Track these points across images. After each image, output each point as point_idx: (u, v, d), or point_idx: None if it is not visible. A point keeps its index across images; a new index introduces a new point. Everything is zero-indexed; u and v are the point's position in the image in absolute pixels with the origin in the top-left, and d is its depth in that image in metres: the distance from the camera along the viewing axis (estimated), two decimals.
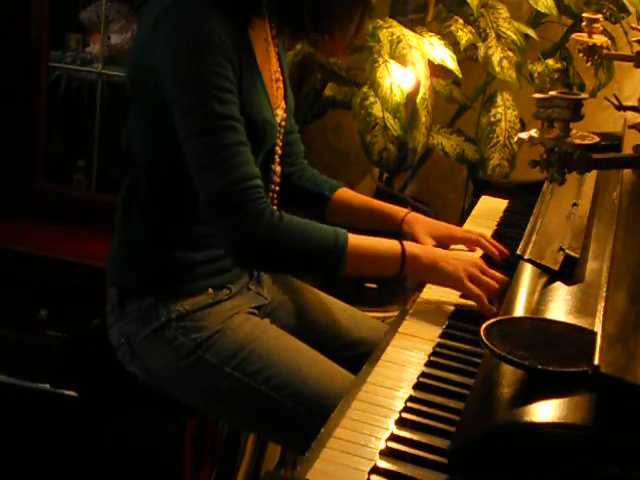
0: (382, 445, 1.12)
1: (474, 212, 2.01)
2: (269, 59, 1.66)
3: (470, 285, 1.51)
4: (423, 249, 1.57)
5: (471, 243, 1.75)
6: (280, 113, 1.68)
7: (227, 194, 1.46)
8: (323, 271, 1.54)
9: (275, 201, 1.73)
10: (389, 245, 1.54)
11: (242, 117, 1.51)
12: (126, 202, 1.64)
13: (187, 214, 1.60)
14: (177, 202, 1.60)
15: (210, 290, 1.61)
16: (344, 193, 1.82)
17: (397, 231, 1.76)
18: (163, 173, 1.59)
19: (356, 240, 1.52)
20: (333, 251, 1.50)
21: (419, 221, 1.76)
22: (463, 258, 1.56)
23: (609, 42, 1.76)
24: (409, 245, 1.55)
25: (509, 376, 1.06)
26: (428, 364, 1.33)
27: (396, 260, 1.53)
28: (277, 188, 1.72)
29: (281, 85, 1.70)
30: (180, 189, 1.57)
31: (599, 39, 1.69)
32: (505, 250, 1.72)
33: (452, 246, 1.77)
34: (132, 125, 1.61)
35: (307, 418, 1.46)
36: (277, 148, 1.70)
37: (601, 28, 1.72)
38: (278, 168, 1.72)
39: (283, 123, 1.71)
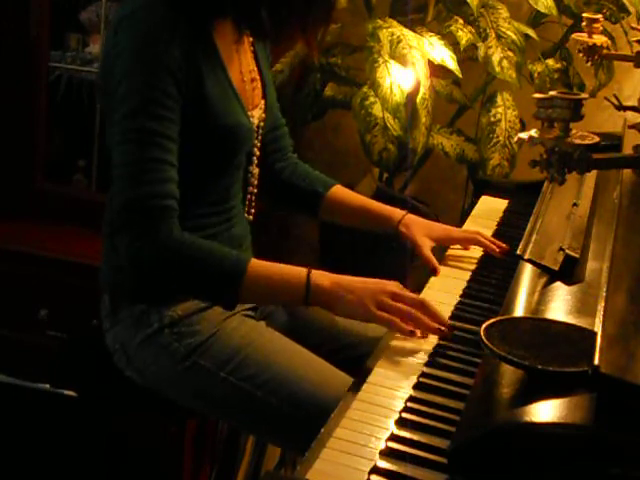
0: (382, 445, 1.12)
1: (474, 212, 2.01)
2: (240, 60, 1.63)
3: (379, 313, 1.43)
4: (331, 280, 1.46)
5: (469, 242, 1.76)
6: (257, 114, 1.66)
7: (135, 207, 1.44)
8: (219, 295, 1.48)
9: (253, 204, 1.72)
10: (294, 274, 1.46)
11: (209, 125, 1.50)
12: (112, 207, 1.63)
13: None
14: None
15: None
16: (339, 191, 1.81)
17: (394, 233, 1.76)
18: None
19: (258, 266, 1.46)
20: (230, 275, 1.44)
21: (416, 223, 1.75)
22: (372, 287, 1.45)
23: (609, 42, 1.76)
24: (316, 275, 1.46)
25: (509, 376, 1.06)
26: (428, 364, 1.33)
27: (299, 291, 1.45)
28: (255, 190, 1.71)
29: (258, 85, 1.68)
30: None
31: (599, 39, 1.69)
32: (504, 245, 1.72)
33: (450, 248, 1.77)
34: (108, 132, 1.59)
35: (304, 421, 1.45)
36: (255, 149, 1.69)
37: (601, 28, 1.72)
38: (256, 170, 1.71)
39: (262, 124, 1.69)
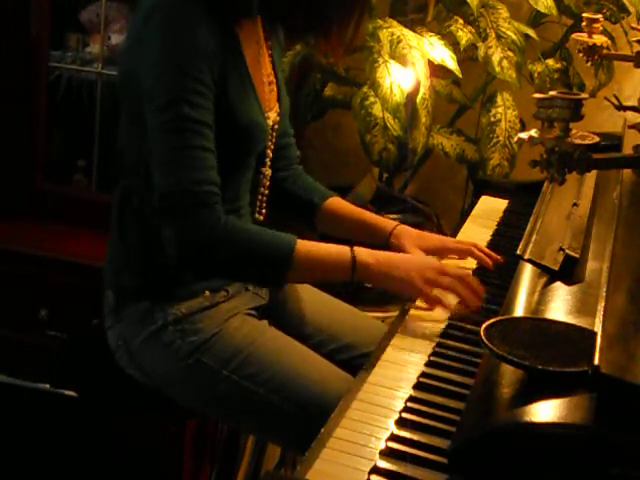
0: (382, 445, 1.12)
1: (474, 212, 2.01)
2: (260, 62, 1.64)
3: (425, 290, 1.48)
4: (375, 255, 1.52)
5: (463, 253, 1.72)
6: (273, 116, 1.67)
7: (180, 194, 1.45)
8: (270, 276, 1.52)
9: (264, 204, 1.72)
10: (339, 251, 1.51)
11: (228, 122, 1.51)
12: (122, 205, 1.63)
13: None
14: None
15: (207, 293, 1.61)
16: (335, 202, 1.80)
17: (385, 244, 1.75)
18: None
19: (305, 245, 1.50)
20: (280, 255, 1.48)
21: (408, 234, 1.73)
22: (418, 262, 1.53)
23: (609, 42, 1.76)
24: (360, 251, 1.51)
25: (509, 376, 1.06)
26: (428, 364, 1.33)
27: (346, 267, 1.50)
28: (266, 191, 1.72)
29: (274, 88, 1.69)
30: None
31: (599, 39, 1.69)
32: (499, 258, 1.69)
33: (444, 258, 1.76)
34: (125, 129, 1.61)
35: (305, 420, 1.46)
36: (268, 151, 1.69)
37: (601, 28, 1.72)
38: (269, 171, 1.71)
39: (276, 126, 1.70)
